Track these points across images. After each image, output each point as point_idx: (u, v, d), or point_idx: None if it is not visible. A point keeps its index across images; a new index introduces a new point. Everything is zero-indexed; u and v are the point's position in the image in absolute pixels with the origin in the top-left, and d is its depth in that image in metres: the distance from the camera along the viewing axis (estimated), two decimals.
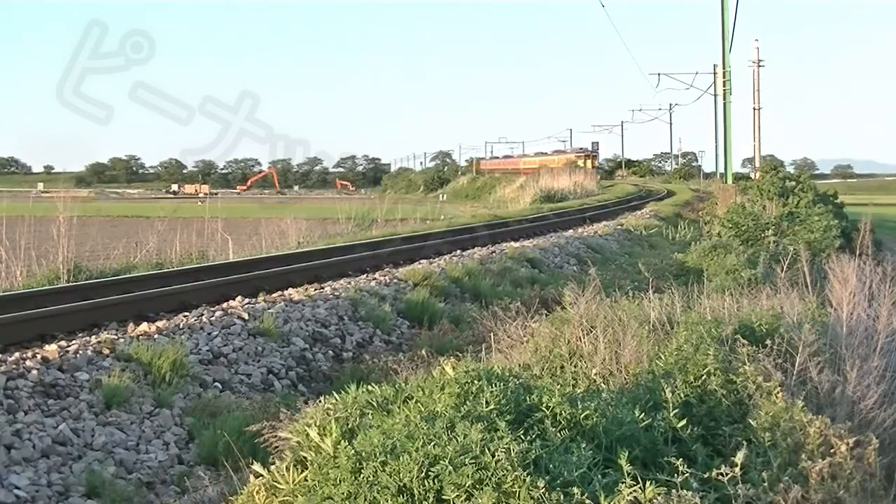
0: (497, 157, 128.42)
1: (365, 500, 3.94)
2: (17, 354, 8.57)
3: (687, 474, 4.10)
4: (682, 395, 5.06)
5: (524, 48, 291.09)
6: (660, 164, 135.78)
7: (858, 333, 6.52)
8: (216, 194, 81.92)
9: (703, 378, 5.29)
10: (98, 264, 15.89)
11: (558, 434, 4.41)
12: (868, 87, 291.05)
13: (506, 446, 3.99)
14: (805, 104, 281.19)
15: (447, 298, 14.26)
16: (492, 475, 3.89)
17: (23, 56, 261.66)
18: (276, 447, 5.48)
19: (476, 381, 4.72)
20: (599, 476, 4.09)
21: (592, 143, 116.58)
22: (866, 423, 5.54)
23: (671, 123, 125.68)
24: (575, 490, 3.89)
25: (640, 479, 3.99)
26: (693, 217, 33.52)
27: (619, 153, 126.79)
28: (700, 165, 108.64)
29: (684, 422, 4.75)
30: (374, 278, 14.66)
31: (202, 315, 10.96)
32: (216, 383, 9.27)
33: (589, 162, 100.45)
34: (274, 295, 12.62)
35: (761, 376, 5.24)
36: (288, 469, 4.58)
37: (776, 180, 21.04)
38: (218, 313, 11.04)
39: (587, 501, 3.87)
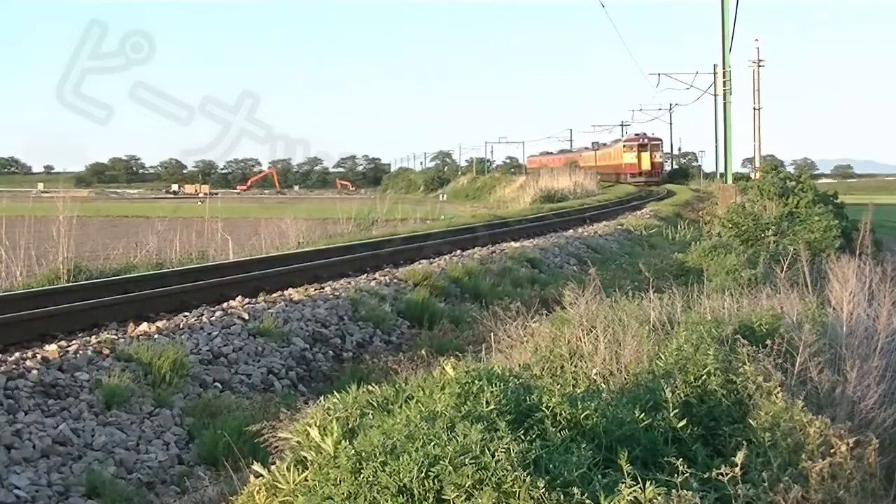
0: (551, 153, 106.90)
1: (365, 500, 3.94)
2: (17, 354, 8.58)
3: (687, 474, 4.10)
4: (682, 395, 5.06)
5: (524, 48, 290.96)
6: None
7: (858, 333, 6.52)
8: (216, 194, 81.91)
9: (703, 378, 5.29)
10: (98, 264, 15.90)
11: (558, 434, 4.41)
12: (868, 87, 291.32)
13: (506, 446, 3.99)
14: (805, 104, 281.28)
15: (447, 298, 14.27)
16: (492, 475, 3.89)
17: (23, 56, 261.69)
18: (277, 447, 5.48)
19: (476, 381, 4.72)
20: (599, 476, 4.09)
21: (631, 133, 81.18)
22: (866, 423, 5.54)
23: (671, 123, 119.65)
24: (575, 490, 3.89)
25: (640, 479, 3.99)
26: (693, 217, 33.51)
27: None
28: (700, 165, 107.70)
29: (684, 422, 4.75)
30: (375, 278, 14.66)
31: (202, 315, 10.96)
32: (216, 383, 9.27)
33: (646, 155, 72.34)
34: (274, 295, 12.62)
35: (761, 376, 5.23)
36: (288, 469, 4.58)
37: (776, 180, 20.99)
38: (218, 313, 11.04)
39: (587, 501, 3.87)
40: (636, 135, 76.87)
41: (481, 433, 4.08)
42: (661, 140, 77.46)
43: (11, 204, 22.58)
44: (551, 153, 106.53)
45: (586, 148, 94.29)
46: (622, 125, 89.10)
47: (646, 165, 72.03)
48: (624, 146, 75.21)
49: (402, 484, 3.92)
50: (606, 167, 77.83)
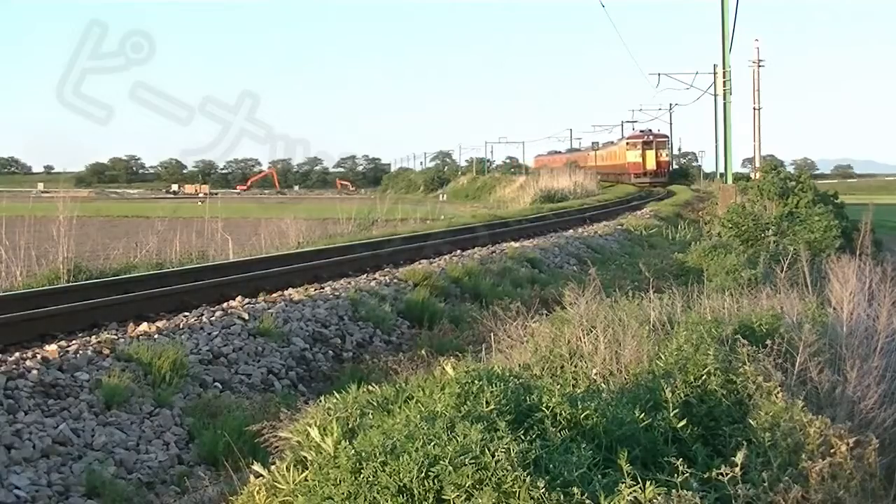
0: (559, 152, 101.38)
1: (365, 500, 3.94)
2: (17, 354, 8.58)
3: (687, 474, 4.10)
4: (682, 395, 5.06)
5: (525, 48, 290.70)
6: None
7: (858, 333, 6.52)
8: (216, 194, 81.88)
9: (703, 378, 5.29)
10: (98, 264, 15.90)
11: (558, 434, 4.41)
12: (868, 87, 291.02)
13: (506, 446, 3.99)
14: (805, 104, 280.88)
15: (447, 298, 14.27)
16: (492, 475, 3.89)
17: (23, 56, 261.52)
18: (277, 447, 5.49)
19: (476, 381, 4.72)
20: (599, 476, 4.09)
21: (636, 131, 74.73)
22: (866, 423, 5.55)
23: (671, 123, 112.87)
24: (575, 490, 3.89)
25: (640, 479, 3.99)
26: (693, 217, 33.53)
27: None
28: (700, 165, 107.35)
29: (684, 422, 4.76)
30: (375, 278, 14.67)
31: (202, 315, 10.96)
32: (216, 383, 9.27)
33: (651, 153, 66.73)
34: (274, 295, 12.62)
35: (761, 376, 5.24)
36: (288, 469, 4.58)
37: (776, 180, 21.00)
38: (218, 313, 11.04)
39: (587, 501, 3.87)
40: (641, 131, 71.52)
41: (481, 433, 4.09)
42: (667, 137, 71.86)
43: (11, 204, 22.59)
44: (559, 152, 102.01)
45: (594, 147, 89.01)
46: (631, 122, 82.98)
47: (651, 165, 66.81)
48: (627, 144, 69.50)
49: (402, 484, 3.92)
50: (609, 167, 74.04)
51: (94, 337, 9.53)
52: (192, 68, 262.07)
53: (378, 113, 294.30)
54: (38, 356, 8.50)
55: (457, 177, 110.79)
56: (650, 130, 71.67)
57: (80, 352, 8.78)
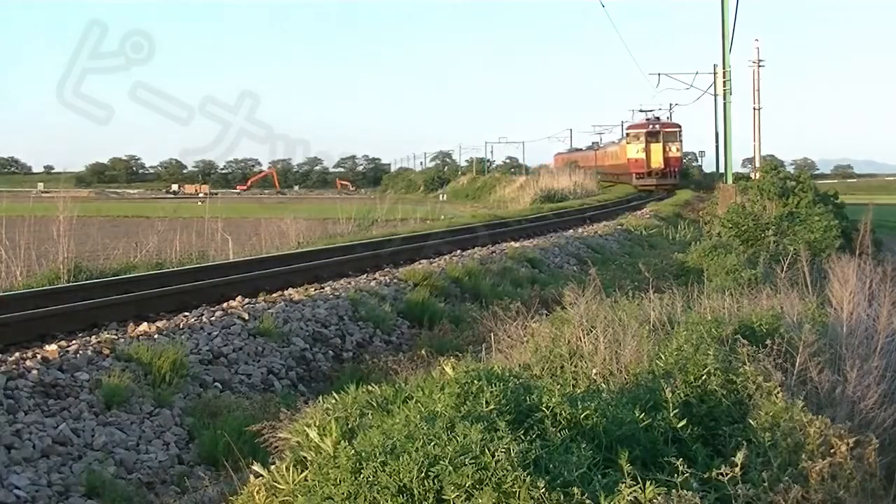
0: (579, 149, 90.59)
1: (365, 500, 3.94)
2: (17, 354, 8.57)
3: (687, 474, 4.10)
4: (682, 395, 5.06)
5: (524, 48, 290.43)
6: None
7: (858, 333, 6.51)
8: (216, 194, 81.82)
9: (703, 378, 5.29)
10: (98, 264, 15.90)
11: (558, 434, 4.41)
12: (868, 87, 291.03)
13: (506, 446, 3.99)
14: (805, 104, 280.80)
15: (447, 298, 14.27)
16: (492, 475, 3.89)
17: (23, 56, 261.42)
18: (276, 447, 5.49)
19: (476, 381, 4.72)
20: (599, 476, 4.09)
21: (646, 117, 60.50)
22: (866, 423, 5.54)
23: None
24: (575, 490, 3.89)
25: (640, 479, 3.99)
26: (693, 217, 33.52)
27: None
28: (700, 165, 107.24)
29: (684, 422, 4.76)
30: (375, 278, 14.66)
31: (202, 315, 10.96)
32: (216, 383, 9.27)
33: (657, 147, 53.99)
34: (274, 295, 12.62)
35: (761, 376, 5.24)
36: (288, 469, 4.59)
37: (776, 180, 21.04)
38: (218, 313, 11.04)
39: (587, 501, 3.87)
40: (647, 119, 59.03)
41: (481, 433, 4.09)
42: (679, 127, 57.41)
43: (11, 204, 22.56)
44: (580, 150, 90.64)
45: (594, 145, 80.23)
46: (645, 113, 68.08)
47: (657, 162, 54.51)
48: (628, 136, 57.27)
49: (402, 484, 3.92)
50: (609, 166, 67.30)
51: (94, 337, 9.53)
52: (192, 68, 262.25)
53: (378, 113, 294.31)
54: (38, 356, 8.50)
55: (457, 177, 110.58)
56: (657, 118, 59.40)
57: (80, 352, 8.78)
